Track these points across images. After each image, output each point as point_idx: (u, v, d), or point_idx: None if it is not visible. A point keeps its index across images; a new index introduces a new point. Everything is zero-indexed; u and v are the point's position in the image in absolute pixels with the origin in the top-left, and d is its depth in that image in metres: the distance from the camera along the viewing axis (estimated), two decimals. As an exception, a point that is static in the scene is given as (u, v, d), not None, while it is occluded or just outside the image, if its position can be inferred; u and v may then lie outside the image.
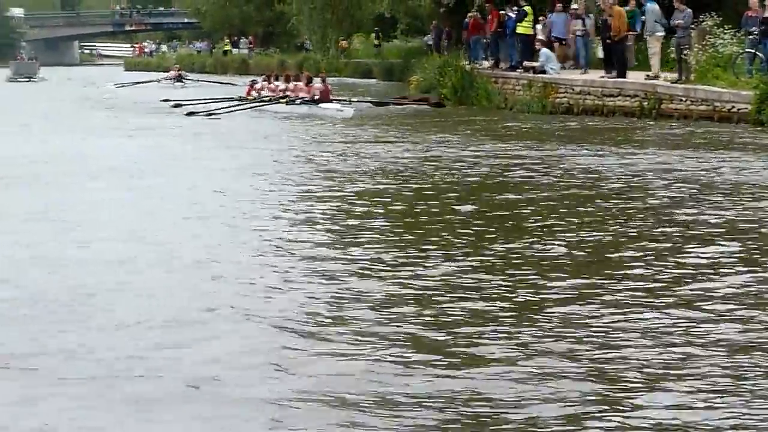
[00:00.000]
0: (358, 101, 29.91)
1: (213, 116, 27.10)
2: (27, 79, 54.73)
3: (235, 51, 72.01)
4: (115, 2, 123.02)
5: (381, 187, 13.80)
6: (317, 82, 30.04)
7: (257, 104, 29.74)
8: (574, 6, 28.66)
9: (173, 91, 40.62)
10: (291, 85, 30.53)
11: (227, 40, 76.16)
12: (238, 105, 29.46)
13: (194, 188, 13.82)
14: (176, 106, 30.60)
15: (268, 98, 30.45)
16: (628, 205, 11.73)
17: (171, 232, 10.46)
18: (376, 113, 28.04)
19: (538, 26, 29.47)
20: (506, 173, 14.85)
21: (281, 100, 29.34)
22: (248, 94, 31.78)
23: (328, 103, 28.04)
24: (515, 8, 29.47)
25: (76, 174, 15.56)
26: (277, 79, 32.28)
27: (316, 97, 28.58)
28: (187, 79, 47.48)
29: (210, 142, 20.76)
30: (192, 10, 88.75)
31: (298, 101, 28.87)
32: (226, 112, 27.68)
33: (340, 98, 29.26)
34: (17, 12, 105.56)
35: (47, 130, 24.27)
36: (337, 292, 7.76)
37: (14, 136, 23.05)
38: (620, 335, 6.62)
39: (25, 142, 21.29)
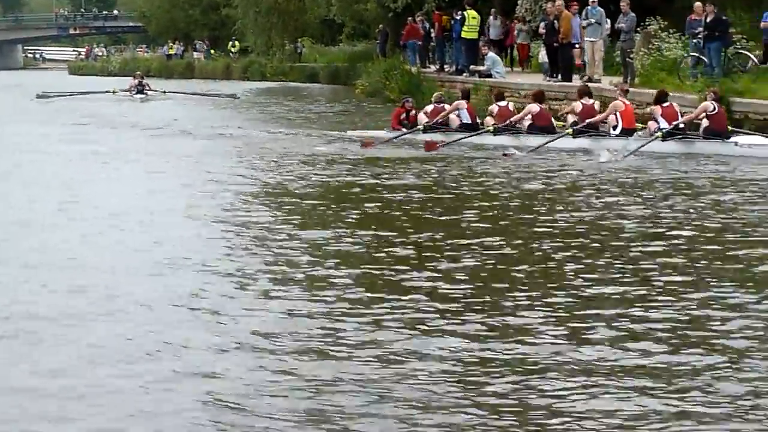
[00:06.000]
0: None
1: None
2: None
3: (196, 55, 71.29)
4: (58, 6, 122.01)
5: None
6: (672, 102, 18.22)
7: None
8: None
9: (134, 109, 32.36)
10: (543, 105, 19.38)
11: (172, 44, 75.78)
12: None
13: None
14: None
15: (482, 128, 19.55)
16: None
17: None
18: None
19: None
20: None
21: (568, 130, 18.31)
22: (398, 122, 20.90)
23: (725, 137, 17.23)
24: (460, 12, 29.60)
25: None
26: (503, 102, 19.94)
27: (680, 126, 17.66)
28: (150, 90, 37.19)
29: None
30: (137, 14, 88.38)
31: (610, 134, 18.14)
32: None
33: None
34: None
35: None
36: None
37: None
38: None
39: None
